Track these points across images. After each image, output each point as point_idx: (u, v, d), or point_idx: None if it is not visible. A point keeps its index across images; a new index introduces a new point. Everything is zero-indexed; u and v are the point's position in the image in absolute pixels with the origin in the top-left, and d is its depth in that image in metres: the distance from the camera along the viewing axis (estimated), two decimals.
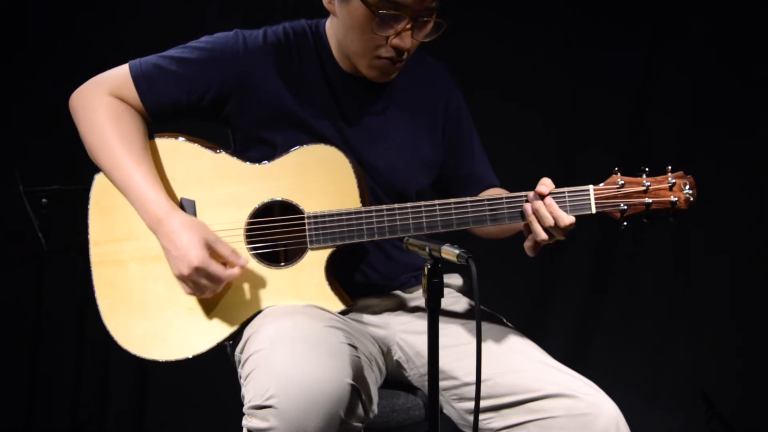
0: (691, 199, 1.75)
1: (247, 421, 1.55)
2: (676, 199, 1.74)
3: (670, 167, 1.77)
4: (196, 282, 1.74)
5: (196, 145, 1.87)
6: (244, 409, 1.57)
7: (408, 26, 1.75)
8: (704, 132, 3.19)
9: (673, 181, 1.75)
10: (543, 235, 1.71)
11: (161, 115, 1.87)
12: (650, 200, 1.75)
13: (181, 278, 1.75)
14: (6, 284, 3.00)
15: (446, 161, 2.03)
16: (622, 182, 1.75)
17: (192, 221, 1.77)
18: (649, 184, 1.75)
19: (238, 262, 1.76)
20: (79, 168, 2.04)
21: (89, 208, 1.87)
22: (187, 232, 1.74)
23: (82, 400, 2.97)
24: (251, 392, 1.56)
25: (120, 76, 1.85)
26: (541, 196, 1.70)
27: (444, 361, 1.66)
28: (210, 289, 1.76)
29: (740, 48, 3.19)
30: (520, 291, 3.27)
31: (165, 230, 1.75)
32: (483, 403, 1.70)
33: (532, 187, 1.74)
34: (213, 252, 1.75)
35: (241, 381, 1.66)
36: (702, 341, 3.22)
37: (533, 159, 3.18)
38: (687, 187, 1.75)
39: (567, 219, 1.68)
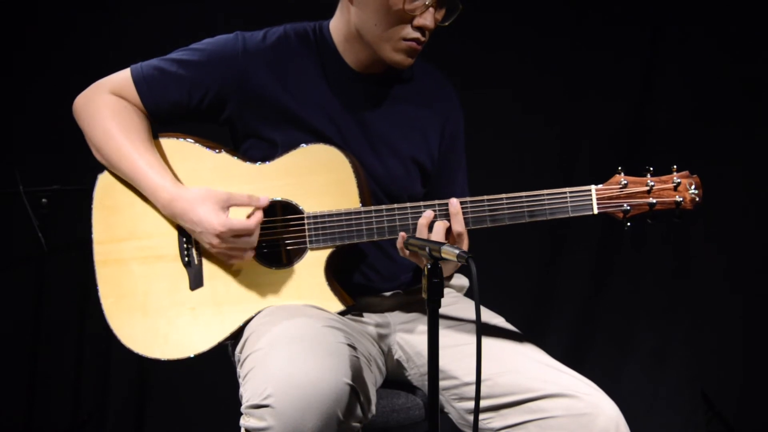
0: (697, 199, 1.71)
1: (244, 421, 1.55)
2: (681, 199, 1.71)
3: (675, 167, 1.73)
4: (228, 249, 1.76)
5: (198, 145, 1.88)
6: (242, 409, 1.56)
7: (435, 3, 1.77)
8: (704, 132, 3.19)
9: (678, 180, 1.71)
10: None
11: (162, 116, 1.89)
12: (654, 200, 1.71)
13: (215, 250, 1.77)
14: (6, 284, 3.00)
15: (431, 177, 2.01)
16: (625, 182, 1.72)
17: (199, 192, 1.78)
18: (653, 184, 1.71)
19: (259, 203, 1.78)
20: (79, 168, 2.05)
21: (92, 208, 1.87)
22: (200, 204, 1.76)
23: (82, 400, 2.98)
24: (249, 391, 1.56)
25: (122, 79, 1.89)
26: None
27: (444, 361, 1.66)
28: (245, 248, 1.77)
29: (740, 48, 3.18)
30: (520, 291, 3.26)
31: (180, 211, 1.78)
32: (483, 403, 1.70)
33: (532, 187, 1.73)
34: (232, 207, 1.77)
35: (240, 380, 1.66)
36: (702, 341, 3.22)
37: (534, 159, 3.17)
38: (693, 187, 1.71)
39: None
